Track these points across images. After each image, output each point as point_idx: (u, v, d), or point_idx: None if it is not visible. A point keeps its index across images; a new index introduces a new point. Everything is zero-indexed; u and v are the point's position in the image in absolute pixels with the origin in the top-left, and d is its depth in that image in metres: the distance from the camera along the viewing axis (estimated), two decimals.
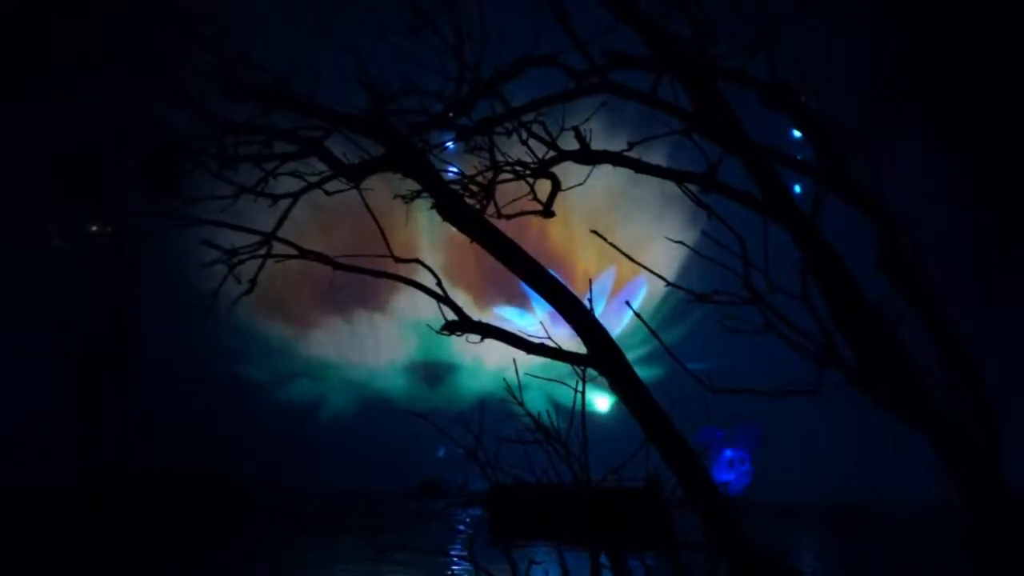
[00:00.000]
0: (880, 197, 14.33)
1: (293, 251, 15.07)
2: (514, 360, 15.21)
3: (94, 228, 63.06)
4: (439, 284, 14.76)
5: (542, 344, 14.82)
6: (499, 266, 14.91)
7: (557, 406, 15.34)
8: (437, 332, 15.02)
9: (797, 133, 15.28)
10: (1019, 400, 15.19)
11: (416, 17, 14.61)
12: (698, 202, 14.45)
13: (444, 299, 14.75)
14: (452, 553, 18.35)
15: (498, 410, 15.62)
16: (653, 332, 14.22)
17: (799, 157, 15.00)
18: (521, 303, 46.97)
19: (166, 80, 15.40)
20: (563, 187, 15.22)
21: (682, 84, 14.68)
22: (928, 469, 13.92)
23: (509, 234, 14.97)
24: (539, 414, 15.10)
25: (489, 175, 15.18)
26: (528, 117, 15.04)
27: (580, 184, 15.36)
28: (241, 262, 14.83)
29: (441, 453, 50.10)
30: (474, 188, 15.13)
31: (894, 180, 14.58)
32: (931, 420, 13.87)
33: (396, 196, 15.20)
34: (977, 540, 13.88)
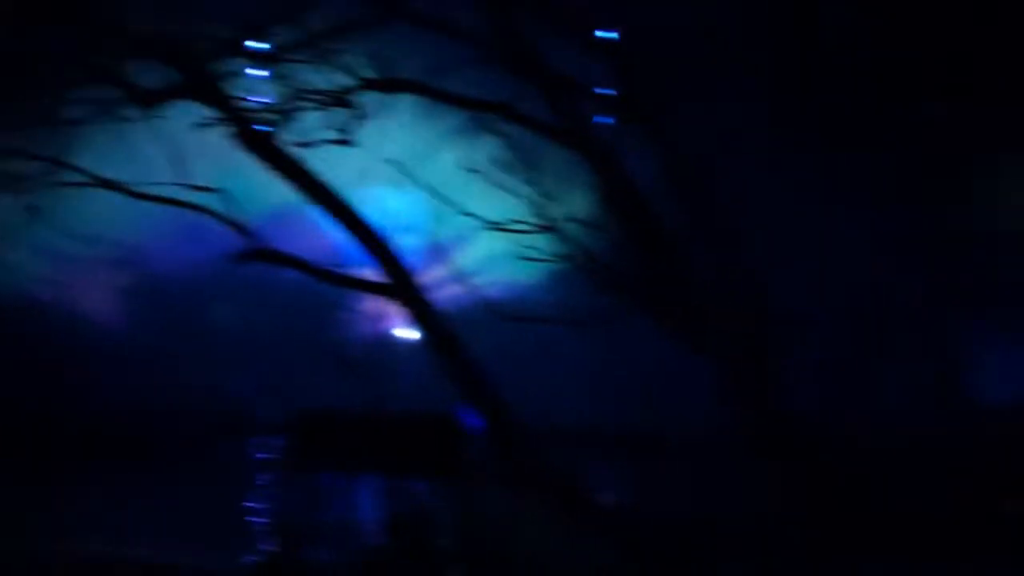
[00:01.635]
0: (671, 130, 14.50)
1: (87, 179, 14.78)
2: (319, 287, 15.16)
3: None
4: (235, 214, 14.59)
5: (342, 275, 14.81)
6: None
7: (365, 335, 15.35)
8: (234, 261, 14.87)
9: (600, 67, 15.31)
10: (814, 332, 15.58)
11: None
12: (496, 132, 14.49)
13: (240, 228, 14.61)
14: (253, 482, 18.17)
15: (301, 338, 15.58)
16: (447, 263, 14.29)
17: (599, 90, 15.10)
18: None
19: None
20: (363, 116, 15.14)
21: (483, 12, 14.69)
22: (709, 395, 14.20)
23: (310, 163, 14.88)
24: (343, 343, 15.10)
25: (289, 104, 15.05)
26: (329, 45, 14.92)
27: (380, 113, 15.30)
28: (30, 189, 14.53)
29: (242, 381, 49.46)
30: (273, 117, 14.99)
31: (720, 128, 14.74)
32: (715, 347, 14.15)
33: (195, 124, 14.99)
34: (756, 462, 14.25)
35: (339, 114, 15.07)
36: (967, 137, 14.84)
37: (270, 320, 17.50)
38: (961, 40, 14.46)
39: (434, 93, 14.75)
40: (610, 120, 14.66)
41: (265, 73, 15.14)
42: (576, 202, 14.08)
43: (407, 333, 15.22)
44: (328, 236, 15.34)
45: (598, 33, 15.10)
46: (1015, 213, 15.18)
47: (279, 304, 16.74)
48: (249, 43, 15.01)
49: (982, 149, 14.97)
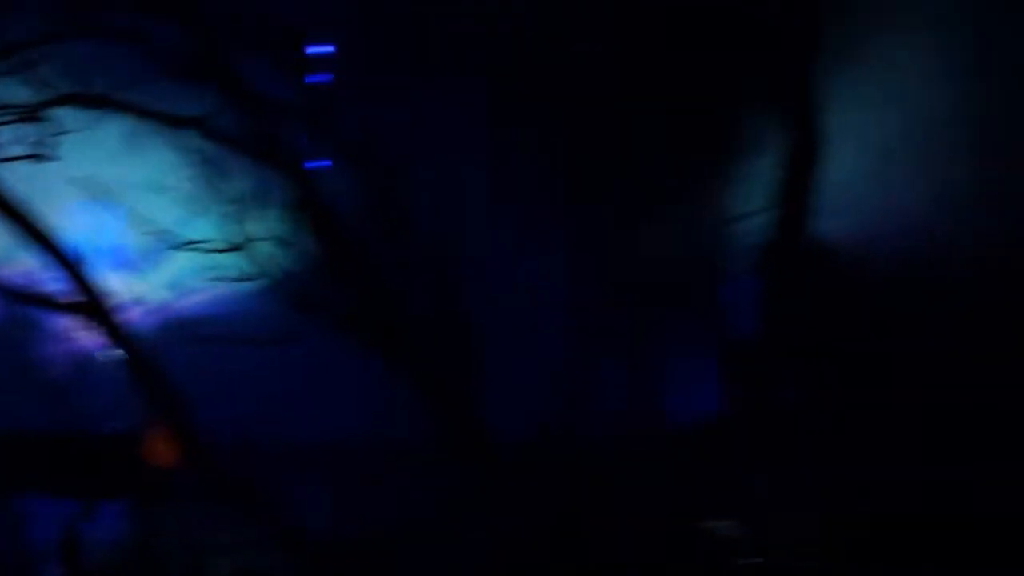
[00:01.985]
0: (359, 141, 14.56)
1: None
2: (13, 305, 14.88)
3: None
4: None
5: (31, 294, 14.59)
6: None
7: (62, 354, 15.09)
8: None
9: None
10: (509, 342, 15.83)
11: None
12: (191, 148, 14.41)
13: None
14: None
15: None
16: (142, 281, 14.16)
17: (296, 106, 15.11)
18: None
19: None
20: (61, 130, 14.85)
21: (181, 29, 14.58)
22: (405, 410, 14.32)
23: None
24: (39, 363, 14.83)
25: None
26: (21, 57, 14.59)
27: (79, 128, 15.03)
28: None
29: None
30: None
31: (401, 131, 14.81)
32: (413, 363, 14.29)
33: None
34: (458, 475, 14.43)
35: (31, 128, 14.75)
36: (661, 150, 15.25)
37: None
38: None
39: (128, 107, 14.56)
40: (306, 134, 14.71)
41: None
42: (272, 220, 14.07)
43: (103, 352, 15.03)
44: (19, 254, 15.08)
45: (310, 49, 15.11)
46: (705, 229, 15.64)
47: None
48: None
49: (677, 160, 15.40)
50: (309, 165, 14.45)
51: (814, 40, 14.70)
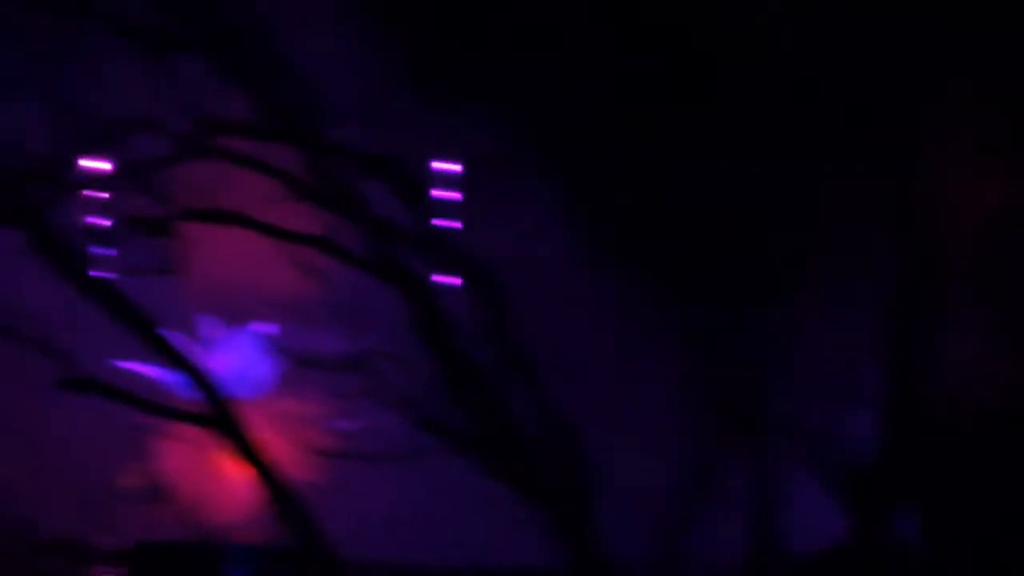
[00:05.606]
0: (477, 261, 14.65)
1: None
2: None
3: None
4: (50, 339, 14.41)
5: (161, 404, 14.83)
6: None
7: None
8: (56, 387, 14.71)
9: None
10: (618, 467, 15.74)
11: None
12: (308, 265, 14.64)
13: (57, 354, 14.45)
14: None
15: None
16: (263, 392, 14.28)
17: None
18: None
19: None
20: (186, 242, 15.12)
21: (293, 151, 14.86)
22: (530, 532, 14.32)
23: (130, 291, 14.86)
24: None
25: (110, 231, 15.03)
26: (149, 174, 14.91)
27: (202, 241, 15.27)
28: None
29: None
30: (92, 244, 14.96)
31: (506, 243, 14.93)
32: (534, 486, 14.30)
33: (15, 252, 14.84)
34: None
35: (160, 243, 15.03)
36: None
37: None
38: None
39: (252, 224, 14.81)
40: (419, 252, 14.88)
41: (86, 200, 15.11)
42: (391, 337, 14.23)
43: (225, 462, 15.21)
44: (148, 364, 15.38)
45: (436, 164, 15.26)
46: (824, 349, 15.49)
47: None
48: (68, 169, 15.00)
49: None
50: (434, 282, 14.59)
51: None
